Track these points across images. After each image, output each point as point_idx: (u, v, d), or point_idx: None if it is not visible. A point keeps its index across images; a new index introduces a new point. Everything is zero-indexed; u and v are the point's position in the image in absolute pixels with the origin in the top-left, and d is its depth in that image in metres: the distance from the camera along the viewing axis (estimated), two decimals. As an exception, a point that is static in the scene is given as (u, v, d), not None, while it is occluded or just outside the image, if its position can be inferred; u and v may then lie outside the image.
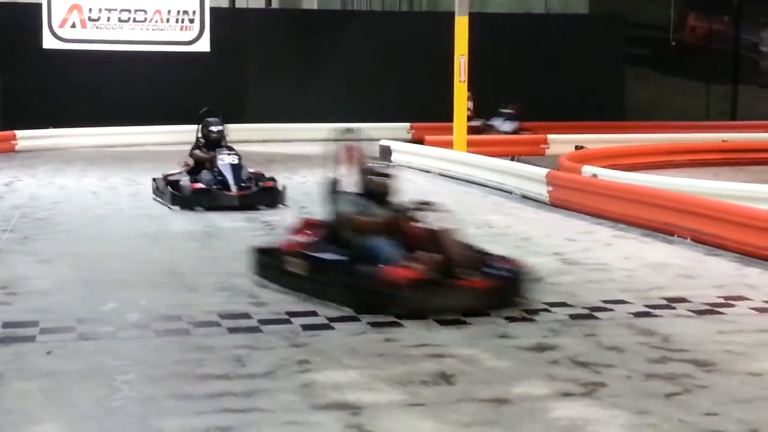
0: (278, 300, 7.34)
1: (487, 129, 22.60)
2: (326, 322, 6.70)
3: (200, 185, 12.43)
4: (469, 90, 17.85)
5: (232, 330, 6.51)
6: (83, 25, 23.71)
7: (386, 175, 7.75)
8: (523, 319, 6.81)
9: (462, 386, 5.32)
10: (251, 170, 13.05)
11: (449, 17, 18.02)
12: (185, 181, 12.59)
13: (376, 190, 7.65)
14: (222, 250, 9.56)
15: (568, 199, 12.41)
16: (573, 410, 4.93)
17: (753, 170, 17.43)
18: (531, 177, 13.57)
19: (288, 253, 7.64)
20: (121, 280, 8.12)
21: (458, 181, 15.59)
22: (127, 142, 22.52)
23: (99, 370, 5.61)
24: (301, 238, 7.76)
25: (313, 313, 6.91)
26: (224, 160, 12.56)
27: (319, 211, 8.24)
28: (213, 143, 13.02)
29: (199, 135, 13.26)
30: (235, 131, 20.02)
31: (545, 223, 11.47)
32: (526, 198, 13.36)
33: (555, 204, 12.62)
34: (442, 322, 6.68)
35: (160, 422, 4.75)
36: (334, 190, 7.76)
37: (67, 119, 22.20)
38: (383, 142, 18.99)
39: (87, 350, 6.04)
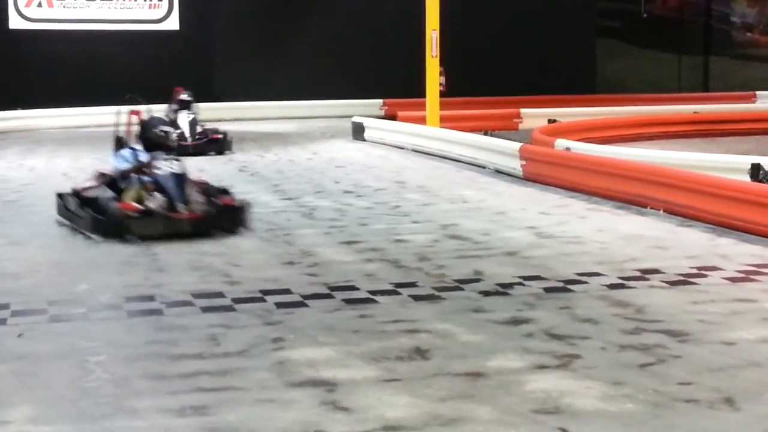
0: (252, 279, 7.31)
1: None
2: (300, 299, 6.68)
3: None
4: (441, 65, 17.78)
5: (206, 309, 6.48)
6: (50, 5, 23.47)
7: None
8: (498, 293, 6.82)
9: (437, 361, 5.31)
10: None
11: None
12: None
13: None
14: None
15: (542, 172, 12.41)
16: (548, 382, 4.93)
17: (724, 141, 17.51)
18: (504, 151, 13.55)
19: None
20: (93, 261, 8.05)
21: (432, 156, 15.56)
22: (98, 123, 22.28)
23: (72, 351, 5.57)
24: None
25: (287, 291, 6.89)
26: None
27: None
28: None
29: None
30: (205, 110, 19.92)
31: (519, 197, 11.47)
32: (499, 172, 13.35)
33: (528, 178, 12.62)
34: (417, 298, 6.68)
35: (135, 403, 4.72)
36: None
37: (36, 100, 21.96)
38: (356, 119, 18.93)
39: (59, 332, 6.00)
